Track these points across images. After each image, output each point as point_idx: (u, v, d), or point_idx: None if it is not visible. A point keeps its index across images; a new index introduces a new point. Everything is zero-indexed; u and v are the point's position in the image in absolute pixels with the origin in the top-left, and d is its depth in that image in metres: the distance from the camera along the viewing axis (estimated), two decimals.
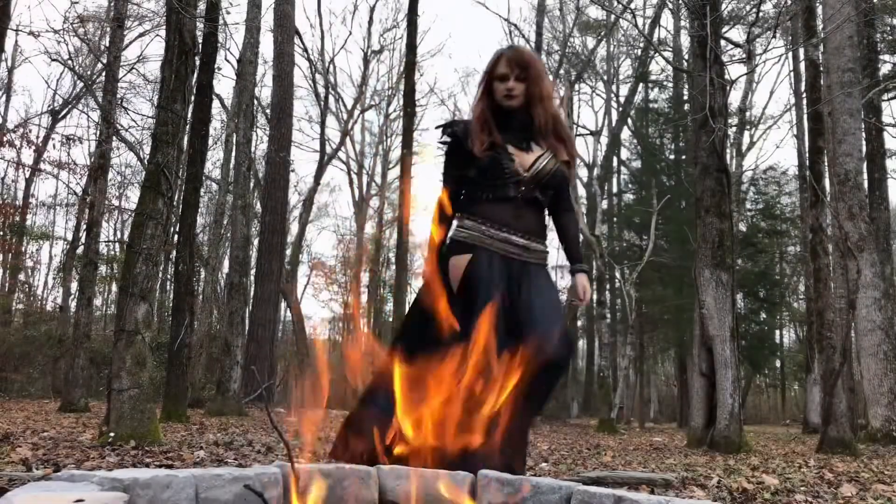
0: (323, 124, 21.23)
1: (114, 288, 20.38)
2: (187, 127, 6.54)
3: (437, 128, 2.87)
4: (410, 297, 25.58)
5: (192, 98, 7.56)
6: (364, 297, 24.27)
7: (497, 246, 2.64)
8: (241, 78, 11.95)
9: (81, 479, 1.36)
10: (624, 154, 22.33)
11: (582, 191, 19.55)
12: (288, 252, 19.00)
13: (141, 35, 18.77)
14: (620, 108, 21.18)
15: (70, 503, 1.17)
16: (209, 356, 15.21)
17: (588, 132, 22.05)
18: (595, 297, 21.83)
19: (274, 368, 14.48)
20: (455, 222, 2.75)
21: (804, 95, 12.10)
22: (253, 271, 14.37)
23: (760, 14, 13.27)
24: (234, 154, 13.73)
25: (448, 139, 2.80)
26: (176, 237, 8.52)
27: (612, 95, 21.80)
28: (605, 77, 21.86)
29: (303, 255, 24.09)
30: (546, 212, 2.83)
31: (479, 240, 2.63)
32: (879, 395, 8.52)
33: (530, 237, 2.68)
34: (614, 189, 22.75)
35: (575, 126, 19.28)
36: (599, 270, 14.52)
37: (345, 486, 1.71)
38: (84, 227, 11.93)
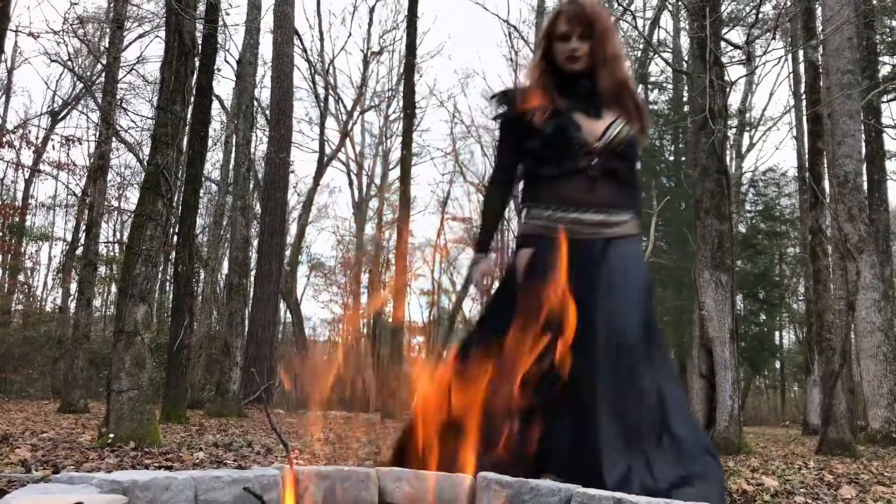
0: (322, 125, 21.25)
1: (113, 289, 20.37)
2: (187, 128, 6.53)
3: (490, 98, 2.58)
4: (410, 298, 25.57)
5: (192, 99, 7.56)
6: (364, 299, 24.27)
7: (567, 230, 2.30)
8: (240, 79, 11.95)
9: (81, 481, 1.36)
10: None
11: None
12: (287, 253, 19.00)
13: (140, 36, 18.80)
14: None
15: None
16: (209, 357, 15.20)
17: None
18: None
19: (273, 370, 14.46)
20: (522, 215, 2.48)
21: (804, 97, 12.10)
22: (252, 272, 14.37)
23: (760, 15, 13.28)
24: (233, 155, 13.74)
25: (503, 110, 2.49)
26: (175, 238, 8.51)
27: None
28: None
29: (302, 256, 24.09)
30: (627, 183, 2.43)
31: (543, 229, 2.33)
32: (879, 397, 8.52)
33: (608, 210, 2.34)
34: None
35: None
36: None
37: (344, 488, 1.71)
38: (83, 227, 11.92)
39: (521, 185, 2.54)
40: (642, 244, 2.50)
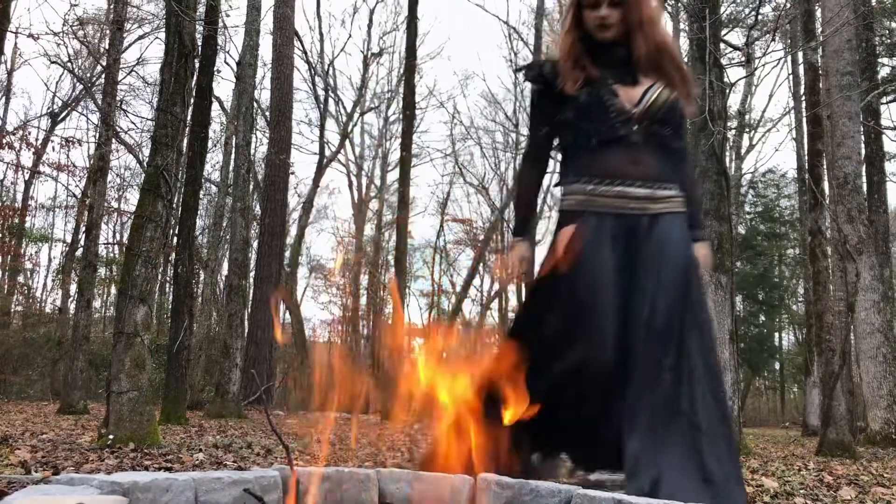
0: (322, 127, 21.25)
1: (113, 290, 20.37)
2: (187, 129, 6.54)
3: (518, 70, 2.46)
4: (410, 300, 25.55)
5: (192, 101, 7.56)
6: (363, 300, 24.27)
7: (609, 205, 2.18)
8: (240, 81, 11.96)
9: (80, 483, 1.36)
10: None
11: None
12: (287, 254, 19.00)
13: (140, 38, 18.81)
14: None
15: None
16: (208, 358, 15.20)
17: None
18: None
19: (273, 371, 14.46)
20: (561, 191, 2.31)
21: (803, 98, 12.12)
22: (252, 273, 14.37)
23: (759, 17, 13.31)
24: (233, 156, 13.75)
25: (535, 82, 2.35)
26: (175, 240, 8.51)
27: None
28: None
29: (302, 257, 24.09)
30: (673, 153, 2.28)
31: (587, 203, 2.19)
32: (879, 398, 8.52)
33: (655, 184, 2.20)
34: None
35: None
36: None
37: (344, 490, 1.71)
38: (83, 229, 11.92)
39: (558, 161, 2.41)
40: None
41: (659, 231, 2.18)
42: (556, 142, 2.37)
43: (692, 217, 2.32)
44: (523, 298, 2.55)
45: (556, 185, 2.35)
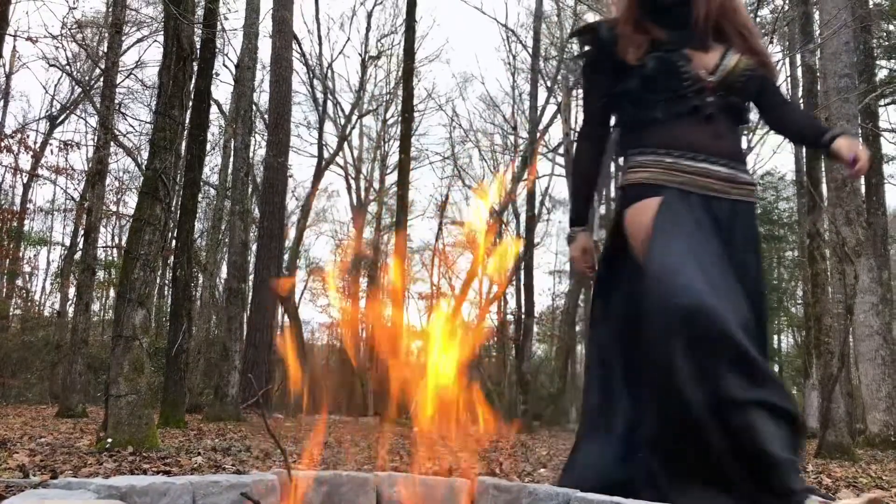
0: (321, 129, 21.24)
1: (112, 293, 20.35)
2: (185, 132, 6.54)
3: (570, 37, 2.24)
4: (409, 302, 25.54)
5: (190, 104, 7.56)
6: (362, 303, 24.26)
7: (692, 182, 1.90)
8: (239, 83, 11.97)
9: (78, 487, 1.36)
10: (621, 159, 22.39)
11: None
12: (286, 257, 19.00)
13: (139, 41, 18.83)
14: None
15: None
16: (207, 362, 15.19)
17: None
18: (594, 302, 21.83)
19: (272, 374, 14.45)
20: (626, 163, 2.04)
21: (801, 101, 12.13)
22: (251, 277, 14.36)
23: (758, 19, 13.31)
24: (232, 159, 13.74)
25: (589, 49, 2.12)
26: (174, 243, 8.51)
27: None
28: None
29: (301, 260, 24.08)
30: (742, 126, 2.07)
31: (668, 177, 1.91)
32: (877, 400, 8.52)
33: (735, 164, 1.96)
34: (612, 194, 22.77)
35: (573, 131, 19.31)
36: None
37: (342, 493, 1.71)
38: (82, 232, 11.92)
39: (617, 136, 2.16)
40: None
41: (742, 228, 1.95)
42: (614, 116, 2.13)
43: (814, 128, 2.07)
44: (594, 291, 2.22)
45: (618, 156, 2.13)
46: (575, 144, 2.29)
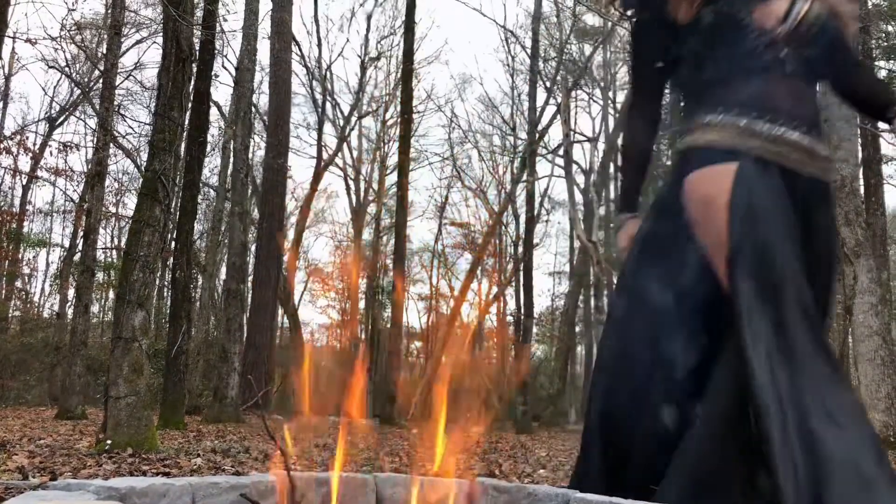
0: (320, 131, 21.24)
1: (111, 295, 20.35)
2: (184, 134, 6.54)
3: (610, 2, 1.99)
4: (409, 303, 25.57)
5: (190, 105, 7.57)
6: (361, 304, 24.25)
7: (769, 150, 1.62)
8: (238, 85, 11.97)
9: (78, 488, 1.36)
10: (621, 160, 22.41)
11: (579, 197, 19.59)
12: (285, 258, 19.00)
13: (138, 42, 18.83)
14: (617, 115, 21.25)
15: None
16: (206, 363, 15.17)
17: (585, 139, 22.12)
18: (593, 302, 21.89)
19: (271, 375, 14.45)
20: (688, 125, 1.75)
21: None
22: (250, 278, 14.36)
23: None
24: (231, 161, 13.74)
25: (635, 9, 1.92)
26: (173, 244, 8.51)
27: (609, 102, 21.88)
28: (602, 83, 21.93)
29: (300, 261, 24.07)
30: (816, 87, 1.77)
31: (742, 141, 1.62)
32: (877, 401, 8.52)
33: (813, 133, 1.69)
34: (611, 195, 22.80)
35: (572, 132, 19.34)
36: (597, 276, 14.52)
37: (341, 494, 1.71)
38: (81, 233, 11.92)
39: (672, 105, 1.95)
40: None
41: (823, 210, 1.68)
42: (670, 85, 1.89)
43: (889, 94, 1.78)
44: (617, 286, 2.02)
45: (676, 126, 1.89)
46: (625, 120, 2.07)
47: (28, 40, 8.74)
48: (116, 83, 11.76)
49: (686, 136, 1.75)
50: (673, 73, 1.84)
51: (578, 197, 19.49)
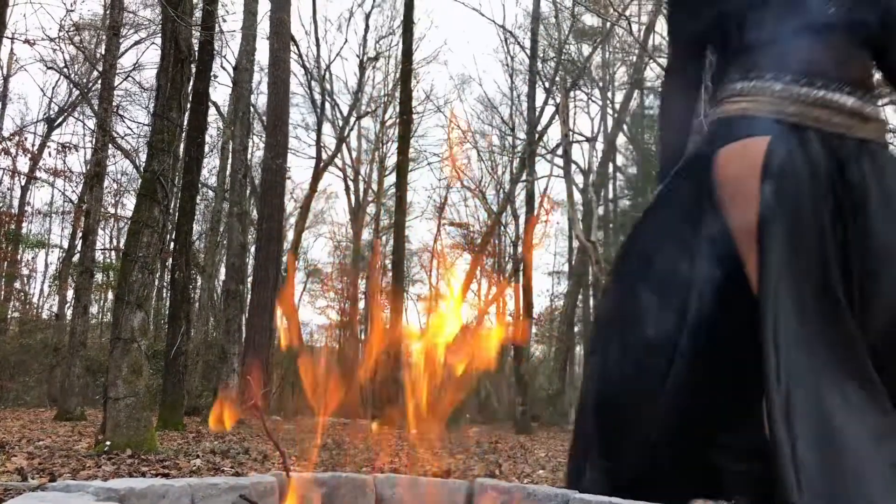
0: (319, 131, 21.24)
1: (110, 296, 20.35)
2: (183, 135, 6.54)
3: None
4: (408, 304, 25.60)
5: (188, 106, 7.56)
6: (360, 305, 24.26)
7: (808, 115, 1.49)
8: (237, 85, 11.97)
9: (77, 489, 1.35)
10: (620, 160, 22.41)
11: (578, 197, 19.60)
12: (284, 259, 18.99)
13: (137, 43, 18.83)
14: (616, 115, 21.26)
15: None
16: (206, 364, 15.16)
17: (584, 139, 22.13)
18: (591, 302, 21.89)
19: (270, 376, 14.44)
20: (720, 94, 1.63)
21: None
22: (250, 279, 14.35)
23: None
24: (230, 161, 13.73)
25: None
26: (172, 245, 8.51)
27: (608, 102, 21.89)
28: (601, 84, 21.94)
29: (299, 261, 24.06)
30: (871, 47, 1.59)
31: (775, 108, 1.49)
32: None
33: (863, 93, 1.55)
34: (610, 195, 22.82)
35: (571, 133, 19.36)
36: (596, 276, 14.53)
37: (341, 495, 1.71)
38: (80, 234, 11.92)
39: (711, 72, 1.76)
40: None
41: (880, 176, 1.48)
42: (710, 48, 1.74)
43: None
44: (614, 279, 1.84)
45: (709, 90, 1.73)
46: (662, 88, 1.88)
47: (27, 41, 8.74)
48: (115, 84, 11.76)
49: (718, 105, 1.63)
50: (715, 37, 1.69)
51: (577, 196, 19.51)
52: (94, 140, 13.28)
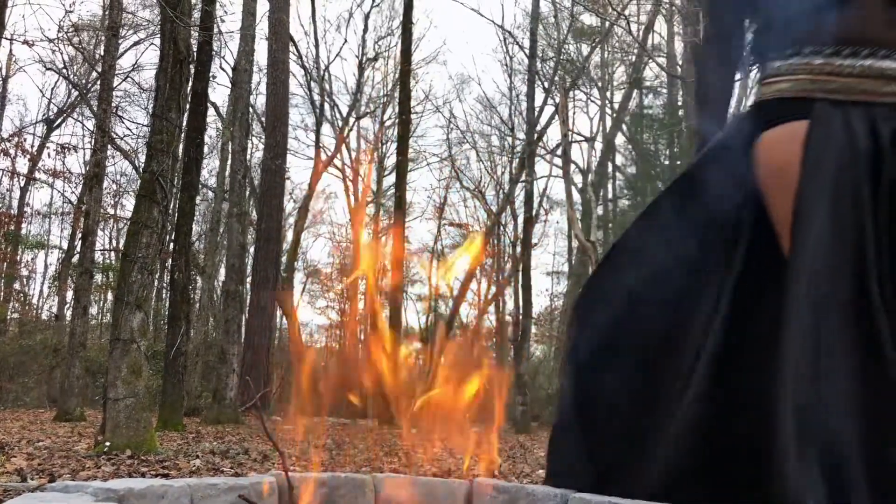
0: (318, 132, 21.24)
1: (110, 297, 20.35)
2: (182, 135, 6.54)
3: None
4: (407, 304, 25.61)
5: (188, 106, 7.56)
6: (360, 305, 24.24)
7: (851, 89, 1.37)
8: (236, 86, 11.96)
9: (76, 490, 1.35)
10: (619, 160, 22.41)
11: (577, 197, 19.60)
12: (284, 259, 18.99)
13: (136, 44, 18.82)
14: (615, 115, 21.27)
15: None
16: (205, 364, 15.16)
17: (583, 139, 22.13)
18: None
19: (270, 376, 14.44)
20: (761, 75, 1.52)
21: None
22: (249, 279, 14.35)
23: None
24: (229, 162, 13.74)
25: None
26: (172, 246, 8.51)
27: (607, 102, 21.89)
28: (600, 83, 21.94)
29: (298, 262, 24.06)
30: None
31: (815, 85, 1.38)
32: None
33: None
34: (609, 195, 22.82)
35: (570, 133, 19.36)
36: None
37: (340, 495, 1.71)
38: (79, 235, 11.92)
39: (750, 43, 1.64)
40: None
41: None
42: (749, 21, 1.63)
43: None
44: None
45: (749, 65, 1.63)
46: (702, 54, 1.78)
47: (26, 42, 8.75)
48: (114, 85, 11.76)
49: (759, 87, 1.51)
50: (756, 8, 1.57)
51: (576, 196, 19.51)
52: (93, 141, 13.28)
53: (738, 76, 1.69)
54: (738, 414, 1.40)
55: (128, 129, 18.71)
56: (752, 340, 1.40)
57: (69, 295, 16.36)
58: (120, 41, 13.21)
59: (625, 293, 1.57)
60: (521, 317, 16.05)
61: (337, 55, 35.86)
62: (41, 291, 21.92)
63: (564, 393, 1.68)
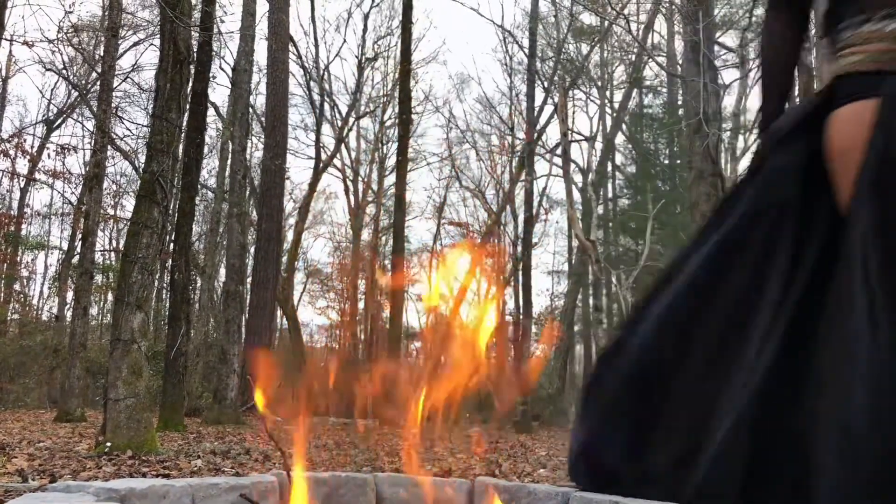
0: (318, 132, 21.24)
1: (110, 297, 20.34)
2: (182, 135, 6.54)
3: None
4: (407, 304, 25.68)
5: (187, 107, 7.56)
6: (360, 305, 24.25)
7: None
8: (235, 86, 11.97)
9: (77, 490, 1.35)
10: (619, 159, 22.41)
11: (577, 196, 19.60)
12: (284, 259, 18.99)
13: (135, 44, 18.81)
14: (615, 114, 21.27)
15: None
16: (206, 365, 15.16)
17: (582, 138, 22.14)
18: (591, 301, 21.90)
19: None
20: (832, 47, 1.43)
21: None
22: (249, 279, 14.34)
23: (753, 19, 13.33)
24: (229, 162, 13.75)
25: None
26: (172, 246, 8.51)
27: (607, 101, 21.88)
28: (599, 83, 21.93)
29: (299, 262, 24.07)
30: None
31: (889, 56, 1.26)
32: None
33: None
34: (609, 194, 22.82)
35: (570, 132, 19.36)
36: (595, 276, 14.53)
37: (341, 494, 1.71)
38: (79, 236, 11.92)
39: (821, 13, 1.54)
40: None
41: None
42: None
43: None
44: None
45: (820, 37, 1.54)
46: (763, 24, 1.67)
47: (25, 43, 8.75)
48: (114, 85, 11.76)
49: (831, 63, 1.42)
50: None
51: (576, 196, 19.51)
52: (93, 141, 13.27)
53: (805, 44, 1.58)
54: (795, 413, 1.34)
55: (128, 129, 18.73)
56: (814, 332, 1.34)
57: (69, 296, 16.37)
58: (120, 41, 13.22)
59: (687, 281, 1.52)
60: (521, 316, 16.06)
61: (336, 55, 35.82)
62: (41, 292, 21.94)
63: (608, 385, 1.62)
